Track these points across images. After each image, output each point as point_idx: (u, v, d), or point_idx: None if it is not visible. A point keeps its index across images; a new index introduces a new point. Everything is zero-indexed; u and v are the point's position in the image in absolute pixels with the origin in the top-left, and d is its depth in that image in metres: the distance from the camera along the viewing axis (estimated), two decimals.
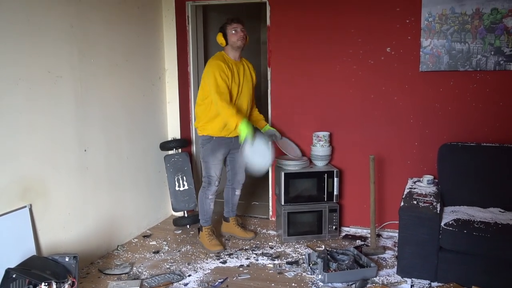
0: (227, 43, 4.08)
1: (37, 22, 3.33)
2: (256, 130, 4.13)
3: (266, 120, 4.72)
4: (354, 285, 3.45)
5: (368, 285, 3.46)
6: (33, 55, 3.30)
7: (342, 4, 4.49)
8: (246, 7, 5.39)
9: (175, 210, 4.85)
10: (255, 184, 6.06)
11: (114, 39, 4.15)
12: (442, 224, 3.49)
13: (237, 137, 4.13)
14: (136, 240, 4.47)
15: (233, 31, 4.05)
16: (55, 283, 2.99)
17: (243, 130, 3.83)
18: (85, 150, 3.82)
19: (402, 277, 3.62)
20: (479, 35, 4.11)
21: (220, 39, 4.10)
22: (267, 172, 5.01)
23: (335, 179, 4.45)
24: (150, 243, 4.40)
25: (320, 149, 4.50)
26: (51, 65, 3.46)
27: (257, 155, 3.97)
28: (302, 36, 4.67)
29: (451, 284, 3.42)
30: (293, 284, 3.52)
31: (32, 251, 3.27)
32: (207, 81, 3.99)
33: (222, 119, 3.98)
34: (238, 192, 4.55)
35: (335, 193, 4.47)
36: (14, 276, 2.90)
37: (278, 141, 4.33)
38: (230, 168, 4.41)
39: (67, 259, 3.18)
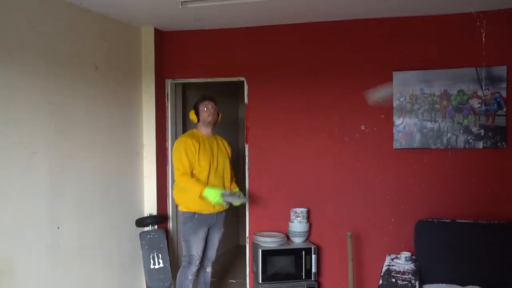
0: (198, 120, 4.22)
1: (16, 98, 3.32)
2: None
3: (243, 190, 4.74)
4: None
5: None
6: (8, 130, 3.27)
7: (318, 83, 4.60)
8: (225, 85, 5.50)
9: None
10: (233, 261, 5.99)
11: (93, 115, 4.14)
12: None
13: (219, 213, 4.20)
14: None
15: (205, 108, 4.17)
16: None
17: (210, 195, 3.94)
18: (58, 227, 3.70)
19: None
20: (448, 114, 4.23)
21: (192, 116, 4.25)
22: (245, 248, 4.97)
23: (313, 256, 4.39)
24: None
25: (298, 225, 4.47)
26: (27, 141, 3.43)
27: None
28: (279, 112, 4.74)
29: None
30: None
31: None
32: (173, 159, 4.15)
33: (189, 191, 4.01)
34: (209, 270, 4.45)
35: (313, 270, 4.39)
36: None
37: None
38: (206, 246, 4.31)
39: None
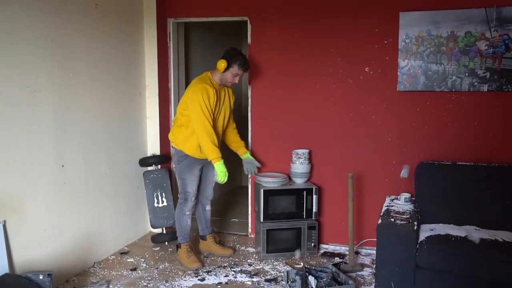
0: (223, 72, 4.04)
1: (16, 37, 3.30)
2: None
3: (247, 136, 4.77)
4: None
5: None
6: (10, 69, 3.27)
7: (322, 23, 4.55)
8: (227, 25, 5.46)
9: (153, 226, 4.84)
10: (234, 202, 6.09)
11: (94, 54, 4.14)
12: (419, 241, 3.49)
13: None
14: (113, 257, 4.41)
15: (236, 75, 4.06)
16: None
17: (220, 170, 3.97)
18: (62, 166, 3.77)
19: None
20: (454, 57, 4.20)
21: (220, 66, 4.01)
22: (247, 188, 5.08)
23: (314, 196, 4.45)
24: (128, 260, 4.35)
25: (299, 166, 4.52)
26: (30, 80, 3.43)
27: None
28: (282, 54, 4.71)
29: None
30: None
31: (5, 269, 3.20)
32: (191, 105, 3.96)
33: (200, 145, 4.01)
34: (208, 208, 4.53)
35: (314, 210, 4.46)
36: None
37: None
38: (201, 184, 4.40)
39: (41, 277, 3.09)
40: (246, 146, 4.78)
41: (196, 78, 4.18)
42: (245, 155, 4.52)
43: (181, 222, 4.28)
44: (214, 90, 4.01)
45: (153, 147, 4.99)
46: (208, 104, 3.95)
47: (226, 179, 4.05)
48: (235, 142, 4.51)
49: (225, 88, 4.27)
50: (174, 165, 4.56)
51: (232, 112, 4.43)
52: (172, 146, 4.37)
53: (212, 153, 3.95)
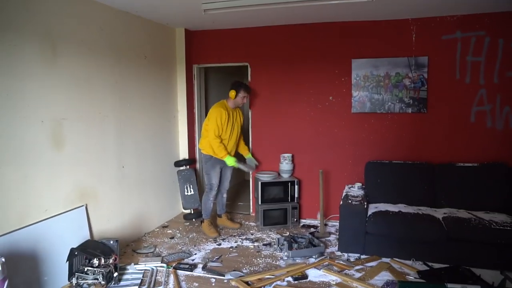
0: (234, 98, 4.16)
1: (93, 80, 3.46)
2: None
3: (248, 143, 4.82)
4: (310, 259, 3.52)
5: (321, 257, 3.54)
6: (89, 101, 3.42)
7: (300, 66, 4.59)
8: (234, 68, 5.48)
9: (184, 208, 4.87)
10: (240, 191, 6.06)
11: (143, 90, 4.22)
12: (368, 215, 3.63)
13: None
14: (157, 229, 4.45)
15: (243, 97, 4.18)
16: (103, 259, 3.07)
17: (229, 161, 4.14)
18: (123, 167, 3.89)
19: (341, 252, 3.70)
20: (389, 89, 4.27)
21: (232, 94, 4.14)
22: (249, 182, 5.10)
23: (296, 186, 4.51)
24: (167, 231, 4.39)
25: (285, 165, 4.58)
26: (101, 108, 3.58)
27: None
28: (272, 88, 4.74)
29: (373, 256, 3.56)
30: (268, 259, 3.57)
31: (88, 236, 3.36)
32: (210, 123, 4.10)
33: (213, 149, 4.12)
34: (225, 195, 4.54)
35: (296, 195, 4.52)
36: (76, 253, 2.98)
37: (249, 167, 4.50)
38: (220, 179, 4.39)
39: (111, 242, 3.22)
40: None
41: (216, 103, 4.24)
42: (248, 155, 4.61)
43: (207, 204, 4.31)
44: (226, 112, 4.10)
45: (183, 153, 4.99)
46: (219, 122, 4.06)
47: (236, 165, 4.18)
48: (241, 145, 4.57)
49: (237, 110, 4.34)
50: (202, 165, 4.54)
51: (241, 127, 4.49)
52: (201, 152, 4.34)
53: (221, 152, 4.08)
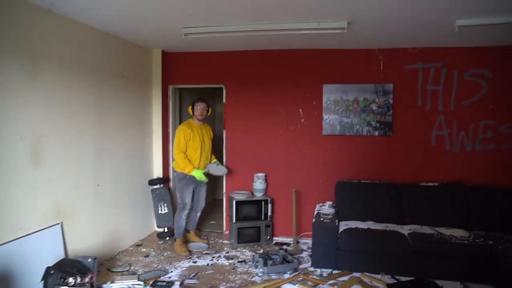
0: (193, 114, 4.28)
1: (72, 97, 3.46)
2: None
3: (222, 163, 4.86)
4: (285, 274, 3.58)
5: (295, 273, 3.61)
6: (67, 119, 3.41)
7: (273, 89, 4.74)
8: (209, 89, 5.52)
9: (158, 226, 4.84)
10: (213, 209, 6.00)
11: (121, 109, 4.23)
12: (339, 232, 3.75)
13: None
14: (131, 248, 4.41)
15: (198, 107, 4.23)
16: (79, 277, 2.97)
17: (197, 175, 4.16)
18: (98, 185, 3.85)
19: (314, 268, 3.79)
20: (357, 113, 4.49)
21: (189, 110, 4.30)
22: (221, 201, 5.10)
23: (269, 205, 4.58)
24: (142, 249, 4.36)
25: (259, 184, 4.65)
26: (80, 126, 3.57)
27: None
28: (246, 109, 4.84)
29: (345, 271, 3.68)
30: (244, 276, 3.61)
31: (62, 255, 3.29)
32: (175, 139, 4.23)
33: (179, 164, 4.17)
34: (199, 214, 4.59)
35: (269, 214, 4.58)
36: (52, 272, 2.88)
37: (211, 171, 4.44)
38: (194, 198, 4.43)
39: (89, 260, 3.13)
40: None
41: (182, 123, 4.37)
42: (214, 160, 4.52)
43: (179, 223, 4.32)
44: (190, 129, 4.18)
45: (157, 172, 4.97)
46: (182, 138, 4.15)
47: (205, 179, 4.20)
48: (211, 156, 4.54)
49: (205, 126, 4.40)
50: (175, 184, 4.48)
51: (211, 142, 4.50)
52: (174, 170, 4.37)
53: (187, 166, 4.14)
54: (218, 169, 4.51)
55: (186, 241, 4.52)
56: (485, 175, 4.28)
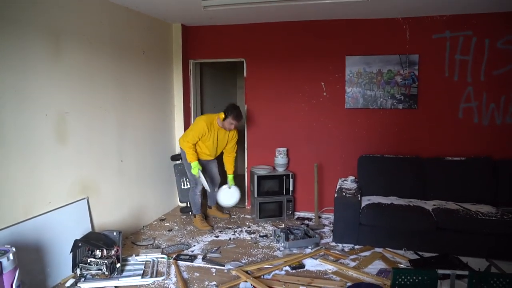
0: (223, 120, 4.07)
1: (95, 74, 3.49)
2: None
3: (244, 138, 4.88)
4: (306, 249, 3.62)
5: (316, 248, 3.65)
6: (91, 96, 3.46)
7: (294, 63, 4.67)
8: (229, 63, 5.38)
9: (181, 201, 4.91)
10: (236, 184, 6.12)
11: (142, 86, 4.26)
12: (361, 207, 3.73)
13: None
14: (155, 222, 4.51)
15: (231, 124, 4.07)
16: (106, 250, 3.12)
17: (194, 168, 4.04)
18: (121, 161, 3.93)
19: (336, 243, 3.81)
20: (381, 86, 4.39)
21: (221, 116, 4.07)
22: (243, 176, 5.11)
23: (291, 179, 4.58)
24: (165, 224, 4.44)
25: (280, 159, 4.67)
26: (102, 103, 3.61)
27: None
28: (267, 84, 4.80)
29: (367, 246, 3.69)
30: (265, 250, 3.65)
31: (89, 228, 3.41)
32: (192, 130, 4.11)
33: (186, 154, 4.09)
34: (216, 189, 4.52)
35: (290, 189, 4.59)
36: (80, 244, 3.04)
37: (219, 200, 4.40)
38: (208, 175, 4.41)
39: (114, 234, 3.28)
40: (243, 148, 4.95)
41: (207, 115, 4.20)
42: (230, 176, 4.41)
43: (194, 199, 4.32)
44: (208, 129, 4.04)
45: (179, 147, 4.77)
46: (196, 135, 4.05)
47: (198, 174, 4.05)
48: (228, 163, 4.44)
49: (229, 132, 4.23)
50: (183, 161, 4.38)
51: (234, 145, 4.38)
52: (180, 148, 4.27)
53: (190, 157, 4.05)
54: (228, 196, 4.40)
55: (206, 217, 4.58)
56: None
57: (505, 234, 3.36)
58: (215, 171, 4.51)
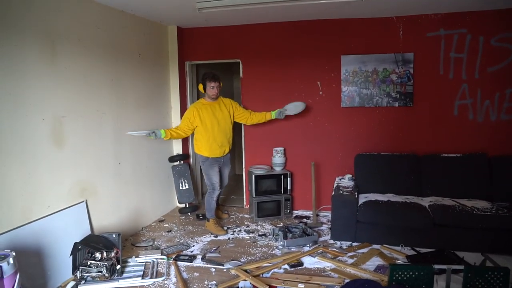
0: (205, 92, 4.05)
1: (91, 78, 3.50)
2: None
3: (241, 138, 4.88)
4: (305, 247, 3.65)
5: (315, 246, 3.68)
6: (88, 100, 3.47)
7: (290, 62, 4.68)
8: (225, 64, 5.44)
9: (179, 202, 4.94)
10: (233, 185, 6.06)
11: (138, 88, 4.26)
12: (358, 205, 3.76)
13: (224, 156, 4.23)
14: (154, 223, 4.52)
15: (211, 87, 3.99)
16: (105, 252, 3.13)
17: (159, 132, 3.94)
18: (119, 163, 3.94)
19: (334, 240, 3.83)
20: (377, 84, 4.41)
21: (200, 88, 4.07)
22: (241, 176, 5.17)
23: (288, 179, 4.60)
24: (164, 225, 4.45)
25: (278, 159, 4.68)
26: (99, 106, 3.62)
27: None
28: (263, 83, 4.80)
29: (365, 243, 3.72)
30: (264, 249, 3.68)
31: (88, 231, 3.42)
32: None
33: (197, 145, 4.10)
34: (221, 190, 4.40)
35: (288, 188, 4.61)
36: (79, 247, 3.06)
37: (286, 113, 4.31)
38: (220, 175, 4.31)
39: (113, 236, 3.28)
40: (241, 147, 4.94)
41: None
42: (273, 113, 4.29)
43: (211, 204, 4.23)
44: (196, 109, 4.02)
45: (177, 149, 5.03)
46: (185, 117, 4.04)
47: (151, 136, 3.91)
48: (258, 116, 4.33)
49: (220, 101, 4.17)
50: (200, 166, 4.40)
51: (242, 111, 4.28)
52: (196, 153, 4.29)
53: (167, 130, 4.00)
54: (295, 107, 4.35)
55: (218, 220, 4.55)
56: (510, 145, 4.15)
57: (500, 229, 3.39)
58: (226, 174, 4.43)
